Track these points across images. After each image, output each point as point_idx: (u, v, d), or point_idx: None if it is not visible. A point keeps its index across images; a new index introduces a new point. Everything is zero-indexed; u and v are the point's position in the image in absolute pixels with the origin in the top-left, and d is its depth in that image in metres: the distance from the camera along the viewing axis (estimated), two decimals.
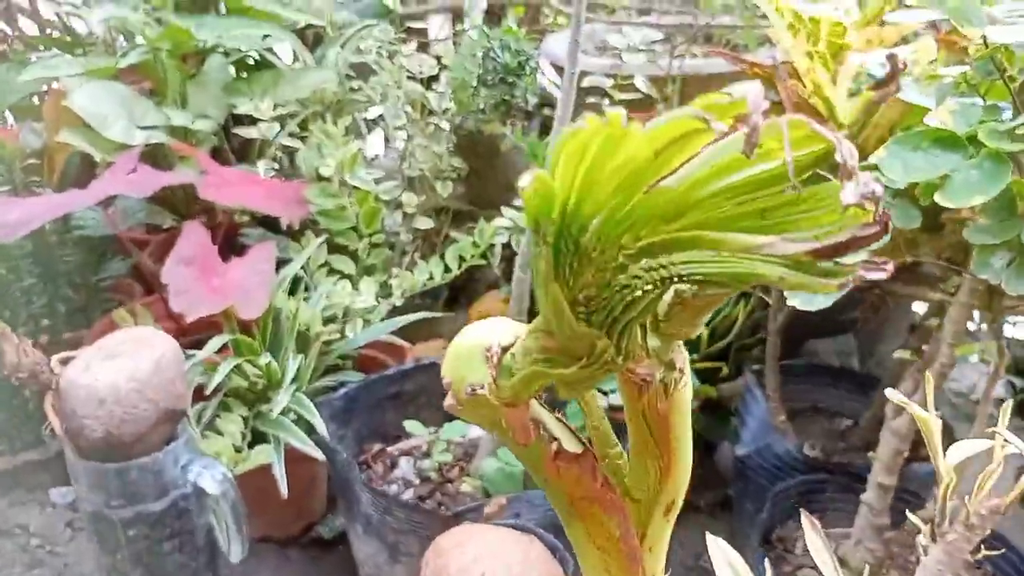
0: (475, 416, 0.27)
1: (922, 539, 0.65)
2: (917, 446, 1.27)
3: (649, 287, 0.23)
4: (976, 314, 1.12)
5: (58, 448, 1.45)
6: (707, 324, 1.55)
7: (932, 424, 0.55)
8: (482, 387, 0.24)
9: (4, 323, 1.04)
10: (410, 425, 1.24)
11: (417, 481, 1.20)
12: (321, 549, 1.35)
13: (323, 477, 1.38)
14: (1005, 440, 0.57)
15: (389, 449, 1.28)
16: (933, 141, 0.63)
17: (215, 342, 1.20)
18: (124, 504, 1.03)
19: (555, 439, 0.27)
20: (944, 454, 0.58)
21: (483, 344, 0.25)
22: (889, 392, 0.54)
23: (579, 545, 0.27)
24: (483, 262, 1.47)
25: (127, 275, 1.64)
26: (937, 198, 0.61)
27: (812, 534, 0.66)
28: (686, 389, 0.27)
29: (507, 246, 1.53)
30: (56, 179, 1.57)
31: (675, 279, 0.23)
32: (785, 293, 0.74)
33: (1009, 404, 0.57)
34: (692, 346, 1.45)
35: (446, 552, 0.86)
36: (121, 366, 0.99)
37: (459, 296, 2.02)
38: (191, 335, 1.32)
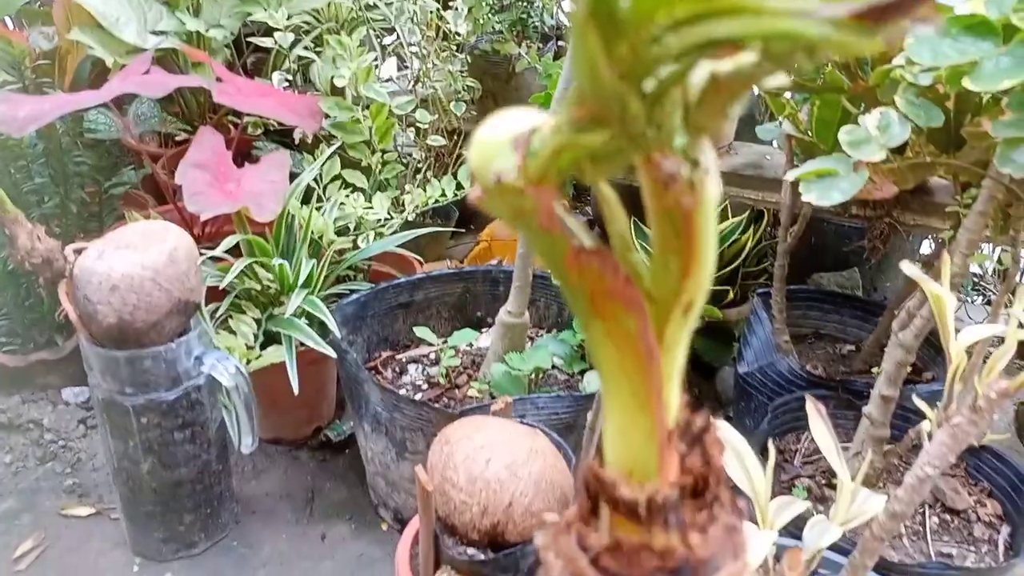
0: (499, 206, 0.27)
1: (927, 426, 0.66)
2: (919, 370, 1.28)
3: (684, 54, 0.23)
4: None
5: (71, 348, 1.47)
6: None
7: (946, 301, 0.55)
8: (508, 173, 0.25)
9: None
10: (420, 331, 1.25)
11: (425, 386, 1.22)
12: (329, 452, 1.38)
13: (332, 383, 1.41)
14: (1020, 323, 0.57)
15: (398, 356, 1.30)
16: (963, 28, 0.63)
17: (229, 240, 1.21)
18: (137, 392, 1.05)
19: (576, 236, 0.27)
20: (955, 337, 0.58)
21: (509, 130, 0.25)
22: (905, 266, 0.55)
23: (596, 345, 0.28)
24: None
25: (139, 186, 1.64)
26: (966, 83, 0.61)
27: (816, 419, 0.67)
28: (712, 188, 0.27)
29: None
30: (68, 84, 1.55)
31: (712, 44, 0.23)
32: (800, 188, 0.74)
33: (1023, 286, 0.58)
34: None
35: (453, 441, 0.88)
36: (135, 255, 1.00)
37: (470, 223, 2.02)
38: (204, 243, 1.32)
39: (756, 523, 0.69)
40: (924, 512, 1.02)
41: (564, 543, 0.30)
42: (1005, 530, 0.99)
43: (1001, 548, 0.96)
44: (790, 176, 0.77)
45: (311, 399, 1.37)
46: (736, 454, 0.68)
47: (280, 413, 1.35)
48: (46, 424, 1.39)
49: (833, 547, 0.73)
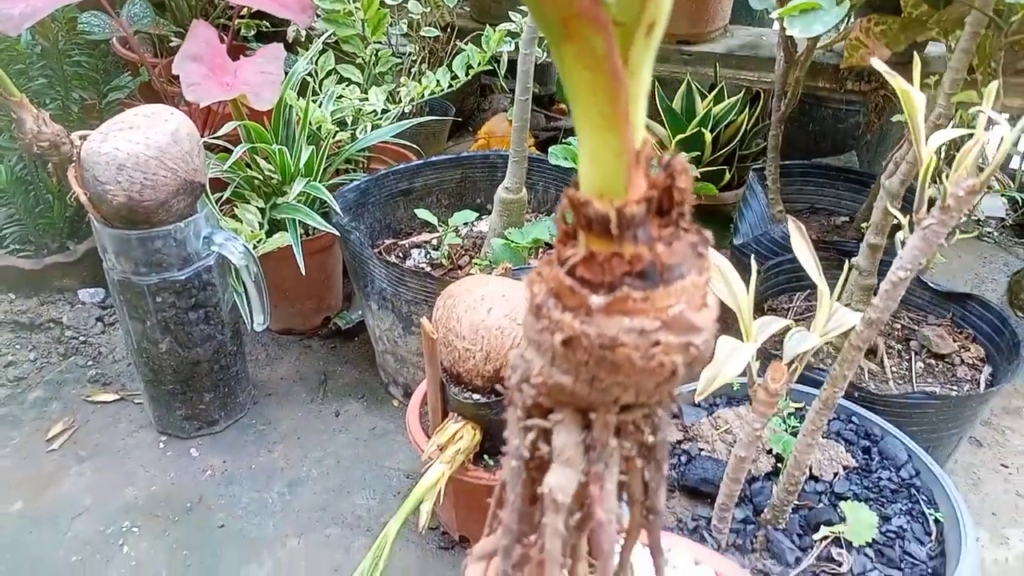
0: None
1: (901, 235, 0.69)
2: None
3: None
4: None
5: (83, 251, 1.51)
6: (711, 130, 1.55)
7: (915, 99, 0.57)
8: None
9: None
10: (421, 213, 1.28)
11: (428, 268, 1.26)
12: (340, 339, 1.43)
13: (338, 274, 1.44)
14: (988, 120, 0.59)
15: (401, 243, 1.33)
16: None
17: (229, 125, 1.23)
18: (150, 271, 1.09)
19: None
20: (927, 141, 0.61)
21: None
22: (874, 61, 0.56)
23: (568, 70, 0.31)
24: (490, 67, 1.47)
25: (136, 94, 1.66)
26: None
27: (796, 236, 0.70)
28: None
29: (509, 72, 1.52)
30: None
31: None
32: (784, 23, 0.75)
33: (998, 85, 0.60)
34: (697, 151, 1.47)
35: (456, 295, 0.91)
36: (139, 134, 1.03)
37: (467, 124, 2.03)
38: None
39: (741, 338, 0.72)
40: (911, 358, 1.06)
41: (546, 269, 0.33)
42: (987, 370, 1.03)
43: (983, 386, 1.01)
44: (775, 14, 0.78)
45: (319, 289, 1.41)
46: (720, 272, 0.72)
47: (290, 304, 1.40)
48: (65, 322, 1.45)
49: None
